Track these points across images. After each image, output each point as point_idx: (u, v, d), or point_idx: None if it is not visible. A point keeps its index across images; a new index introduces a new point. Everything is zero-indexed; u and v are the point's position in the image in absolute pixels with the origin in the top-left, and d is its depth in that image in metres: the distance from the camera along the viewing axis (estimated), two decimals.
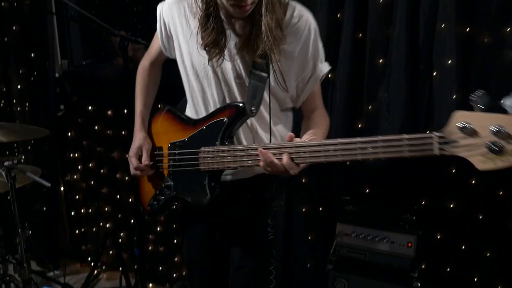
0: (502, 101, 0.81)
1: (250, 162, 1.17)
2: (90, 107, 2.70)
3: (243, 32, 1.22)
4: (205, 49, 1.21)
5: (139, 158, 1.44)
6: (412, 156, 0.93)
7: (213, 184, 1.27)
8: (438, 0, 1.79)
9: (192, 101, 1.37)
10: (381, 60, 1.94)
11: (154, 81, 1.54)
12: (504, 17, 1.75)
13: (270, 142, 1.29)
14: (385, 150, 0.96)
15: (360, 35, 1.95)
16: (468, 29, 1.79)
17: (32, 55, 2.64)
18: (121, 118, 2.60)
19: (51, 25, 2.59)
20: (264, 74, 1.21)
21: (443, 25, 1.79)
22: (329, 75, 2.05)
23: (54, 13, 2.52)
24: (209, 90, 1.30)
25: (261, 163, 1.12)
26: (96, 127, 2.71)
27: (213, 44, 1.19)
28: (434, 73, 1.86)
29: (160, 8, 1.36)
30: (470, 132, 0.84)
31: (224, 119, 1.24)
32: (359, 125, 2.06)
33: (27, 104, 2.76)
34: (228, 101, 1.29)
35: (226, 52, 1.23)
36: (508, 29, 1.75)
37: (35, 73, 2.68)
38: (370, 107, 2.01)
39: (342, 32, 1.96)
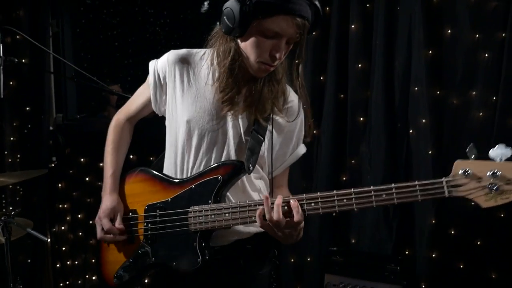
0: (489, 153, 1.00)
1: (253, 218, 1.13)
2: (82, 159, 2.75)
3: (248, 95, 1.24)
4: (222, 103, 1.22)
5: (111, 221, 1.31)
6: (425, 199, 1.03)
7: (203, 245, 1.20)
8: (410, 66, 2.00)
9: (180, 159, 1.29)
10: (361, 119, 2.10)
11: (127, 139, 1.43)
12: (469, 81, 1.95)
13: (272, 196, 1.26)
14: (400, 196, 1.03)
15: (342, 96, 2.13)
16: (438, 92, 1.99)
17: (27, 108, 2.71)
18: None
19: (48, 82, 2.69)
20: (261, 138, 1.24)
21: (416, 88, 1.98)
22: (315, 132, 2.20)
23: (52, 72, 2.63)
24: (204, 148, 1.26)
25: (275, 215, 1.08)
26: (87, 179, 2.75)
27: (229, 101, 1.21)
28: (411, 131, 2.03)
29: (154, 64, 1.33)
30: (472, 176, 1.00)
31: (218, 177, 1.21)
32: (343, 178, 2.18)
33: (18, 155, 2.79)
34: (224, 159, 1.26)
35: (233, 111, 1.23)
36: (474, 92, 1.95)
37: (29, 126, 2.73)
38: (353, 161, 2.14)
39: (325, 93, 2.14)
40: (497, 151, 1.00)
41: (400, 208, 2.08)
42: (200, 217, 1.20)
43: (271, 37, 1.12)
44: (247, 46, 1.16)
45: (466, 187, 1.01)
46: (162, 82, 1.31)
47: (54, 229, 2.88)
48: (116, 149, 1.40)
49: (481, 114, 1.94)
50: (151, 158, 2.39)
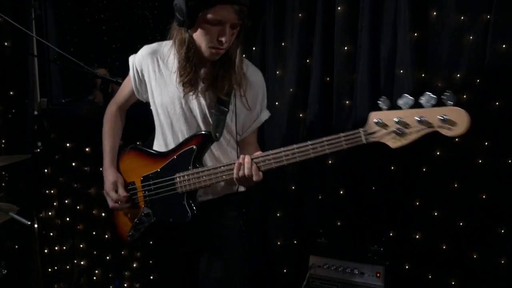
0: (397, 102, 1.20)
1: (224, 177, 1.44)
2: (68, 144, 2.73)
3: (208, 77, 1.48)
4: (182, 86, 1.45)
5: (116, 192, 1.60)
6: (349, 147, 1.26)
7: (191, 202, 1.50)
8: (396, 48, 1.99)
9: (162, 136, 1.58)
10: (347, 102, 2.10)
11: (120, 125, 1.73)
12: (453, 64, 1.95)
13: (238, 158, 1.48)
14: (330, 147, 1.29)
15: (328, 79, 2.12)
16: (423, 75, 1.99)
17: (11, 93, 2.67)
18: (100, 154, 2.57)
19: (32, 65, 2.65)
20: (226, 109, 1.49)
21: (401, 71, 1.98)
22: (301, 115, 2.19)
23: (35, 55, 2.59)
24: (177, 125, 1.53)
25: (237, 173, 1.38)
26: (73, 164, 2.73)
27: (188, 83, 1.44)
28: None
29: (132, 59, 1.59)
30: (382, 124, 1.22)
31: (193, 146, 1.49)
32: (329, 161, 2.19)
33: (3, 141, 2.76)
34: (195, 132, 1.53)
35: (198, 92, 1.47)
36: (458, 74, 1.95)
37: (13, 110, 2.70)
38: None
39: (311, 76, 2.13)
40: (403, 100, 1.18)
41: (385, 191, 2.10)
42: (184, 181, 1.49)
43: (216, 25, 1.33)
44: (198, 35, 1.38)
45: (378, 133, 1.22)
46: (140, 74, 1.57)
47: (41, 215, 2.88)
48: (111, 133, 1.69)
49: (465, 96, 1.95)
50: (138, 143, 2.38)
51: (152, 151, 1.60)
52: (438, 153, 2.03)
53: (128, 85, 1.65)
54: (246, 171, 1.37)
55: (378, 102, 1.21)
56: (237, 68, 1.44)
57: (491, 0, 1.85)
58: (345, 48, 2.06)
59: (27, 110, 2.66)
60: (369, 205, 2.12)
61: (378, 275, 1.83)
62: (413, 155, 2.04)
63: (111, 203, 1.62)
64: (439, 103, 1.17)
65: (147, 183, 1.58)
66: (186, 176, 1.48)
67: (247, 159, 1.37)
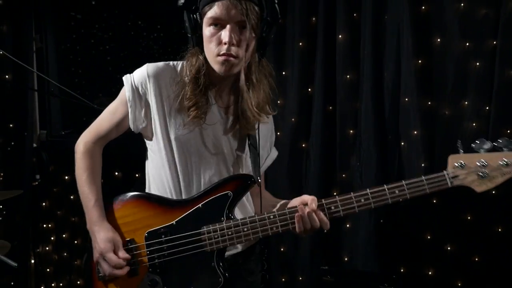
0: (473, 146, 1.16)
1: (275, 229, 1.17)
2: (66, 177, 2.68)
3: (226, 101, 1.25)
4: (188, 109, 1.19)
5: (115, 254, 1.21)
6: (432, 191, 1.14)
7: (221, 263, 1.19)
8: (400, 76, 1.94)
9: (171, 179, 1.25)
10: (351, 131, 2.04)
11: (99, 165, 1.33)
12: (461, 91, 1.89)
13: (261, 207, 1.28)
14: (411, 191, 1.14)
15: (331, 108, 2.07)
16: (429, 103, 1.92)
17: (11, 125, 2.65)
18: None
19: (32, 99, 2.63)
20: (255, 146, 1.26)
21: (406, 99, 1.92)
22: (303, 145, 2.13)
23: (36, 90, 2.58)
24: (199, 166, 1.23)
25: (299, 226, 1.14)
26: (71, 197, 2.67)
27: (195, 107, 1.18)
28: (402, 143, 1.96)
29: (130, 78, 1.25)
30: (465, 167, 1.15)
31: (228, 193, 1.20)
32: (334, 193, 2.10)
33: (1, 174, 2.71)
34: (226, 175, 1.25)
35: (220, 127, 1.24)
36: (466, 102, 1.88)
37: (12, 143, 2.67)
38: (343, 175, 2.07)
39: (313, 105, 2.07)
40: (479, 144, 1.16)
41: (394, 224, 1.99)
42: (216, 236, 1.18)
43: (216, 26, 1.13)
44: (206, 50, 1.17)
45: (462, 176, 1.14)
46: (142, 97, 1.24)
47: (38, 250, 2.79)
48: (92, 177, 1.29)
49: (474, 124, 1.88)
50: (137, 175, 2.32)
51: (165, 200, 1.25)
52: None
53: (117, 111, 1.27)
54: (313, 223, 1.13)
55: (457, 145, 1.17)
56: (263, 93, 1.20)
57: (497, 25, 1.81)
58: (348, 76, 2.01)
59: (26, 143, 2.63)
60: (378, 239, 2.01)
61: None
62: None
63: (108, 269, 1.19)
64: None
65: (157, 240, 1.21)
66: (218, 230, 1.18)
67: (309, 209, 1.13)
